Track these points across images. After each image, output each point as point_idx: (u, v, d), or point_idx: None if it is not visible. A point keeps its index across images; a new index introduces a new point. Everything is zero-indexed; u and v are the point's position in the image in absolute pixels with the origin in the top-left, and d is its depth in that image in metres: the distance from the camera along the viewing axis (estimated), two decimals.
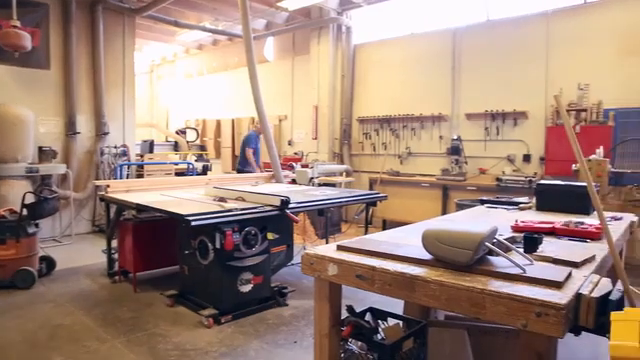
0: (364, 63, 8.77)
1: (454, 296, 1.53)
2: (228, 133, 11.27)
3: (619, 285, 1.50)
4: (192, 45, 12.23)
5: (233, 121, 11.13)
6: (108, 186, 4.89)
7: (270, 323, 3.85)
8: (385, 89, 8.38)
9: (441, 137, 7.60)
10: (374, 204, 5.18)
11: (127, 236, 4.59)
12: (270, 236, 4.06)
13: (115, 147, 7.47)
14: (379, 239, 2.22)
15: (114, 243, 4.93)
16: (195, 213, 3.54)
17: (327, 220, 5.95)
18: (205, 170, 8.51)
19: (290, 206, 4.02)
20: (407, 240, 2.10)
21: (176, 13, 8.85)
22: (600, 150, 5.27)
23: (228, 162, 11.21)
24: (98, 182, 5.82)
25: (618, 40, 6.05)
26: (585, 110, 6.09)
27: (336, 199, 4.66)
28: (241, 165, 7.93)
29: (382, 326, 2.45)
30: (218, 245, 3.63)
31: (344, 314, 2.21)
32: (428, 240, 1.67)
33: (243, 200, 4.23)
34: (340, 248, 1.97)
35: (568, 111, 6.12)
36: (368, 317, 2.40)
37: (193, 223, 3.44)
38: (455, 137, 7.06)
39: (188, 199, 4.44)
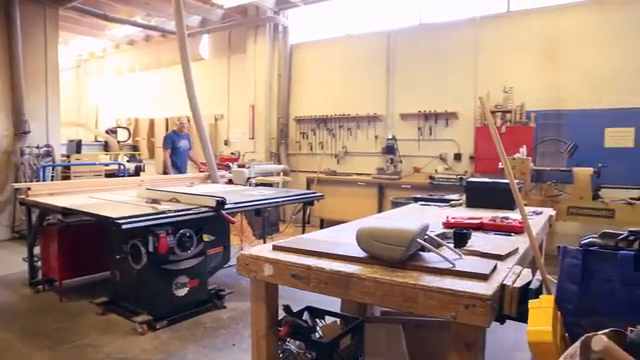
0: (301, 63, 8.79)
1: (388, 292, 1.56)
2: (162, 133, 10.89)
3: (538, 275, 1.59)
4: (123, 40, 11.69)
5: (167, 120, 10.77)
6: (29, 189, 4.57)
7: (208, 327, 3.76)
8: (322, 89, 8.45)
9: (376, 137, 7.77)
10: (311, 203, 5.21)
11: (52, 242, 4.31)
12: (206, 238, 3.97)
13: (37, 147, 6.99)
14: (315, 238, 2.23)
15: (36, 250, 4.61)
16: (126, 216, 3.39)
17: (264, 220, 5.91)
18: (138, 171, 8.18)
19: (226, 207, 3.95)
20: (343, 238, 2.13)
21: (106, 6, 8.42)
22: (523, 149, 5.60)
23: (162, 163, 10.85)
24: (17, 185, 5.43)
25: (538, 47, 6.46)
26: (510, 111, 6.46)
27: (273, 199, 4.64)
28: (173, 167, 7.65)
29: (320, 324, 2.47)
30: (151, 249, 3.50)
31: (282, 314, 2.21)
32: (362, 238, 1.70)
33: (177, 201, 4.10)
34: (276, 248, 1.96)
35: (494, 112, 6.47)
36: (306, 316, 2.41)
37: (124, 226, 3.29)
38: (390, 137, 7.24)
39: (119, 201, 4.25)
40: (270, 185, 6.95)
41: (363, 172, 7.77)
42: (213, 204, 3.87)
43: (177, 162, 7.59)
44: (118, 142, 10.12)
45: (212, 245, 4.09)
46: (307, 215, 5.49)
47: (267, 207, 4.97)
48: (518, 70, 6.59)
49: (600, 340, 0.98)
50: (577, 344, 1.03)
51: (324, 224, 7.41)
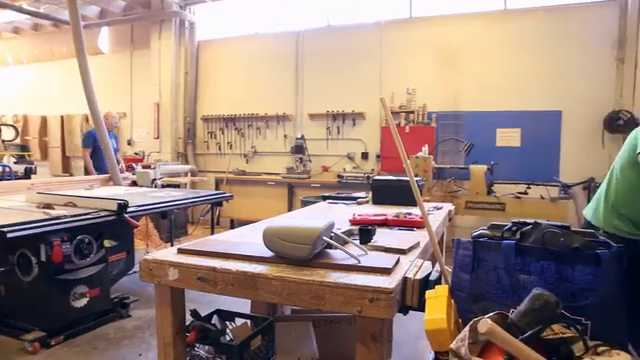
0: (209, 60, 8.58)
1: (295, 290, 1.57)
2: (57, 131, 10.07)
3: (437, 266, 1.68)
4: (6, 28, 10.57)
5: (62, 118, 9.98)
6: None
7: (111, 338, 3.54)
8: (230, 88, 8.31)
9: (286, 136, 7.80)
10: (220, 204, 5.10)
11: None
12: (107, 243, 3.73)
13: None
14: (222, 239, 2.18)
15: None
16: (12, 223, 3.06)
17: (171, 223, 5.68)
18: (28, 173, 7.49)
19: (129, 210, 3.74)
20: (251, 238, 2.10)
21: None
22: (425, 148, 5.92)
23: (58, 164, 10.03)
24: None
25: (437, 52, 6.89)
26: (413, 112, 6.81)
27: (180, 200, 4.47)
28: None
29: (230, 327, 2.43)
30: (44, 258, 3.22)
31: (190, 319, 2.14)
32: (268, 237, 1.69)
33: (74, 206, 3.81)
34: (181, 251, 1.89)
35: (398, 113, 6.80)
36: (215, 320, 2.35)
37: (9, 235, 2.98)
38: (299, 136, 7.31)
39: (3, 207, 3.86)
40: (177, 186, 6.71)
41: (273, 172, 7.77)
42: (114, 207, 3.65)
43: (98, 163, 6.52)
44: (3, 142, 9.18)
45: (114, 251, 3.85)
46: (216, 216, 5.37)
47: (174, 209, 4.78)
48: (420, 73, 6.96)
49: (485, 323, 1.07)
50: (466, 328, 1.11)
51: (235, 224, 7.30)
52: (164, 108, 8.38)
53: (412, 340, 3.30)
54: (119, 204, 3.65)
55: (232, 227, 7.15)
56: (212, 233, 4.91)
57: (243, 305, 2.56)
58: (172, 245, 5.30)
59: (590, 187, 5.90)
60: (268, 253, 1.75)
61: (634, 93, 5.92)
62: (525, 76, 6.50)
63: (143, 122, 8.95)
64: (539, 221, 1.42)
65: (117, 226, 3.76)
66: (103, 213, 3.63)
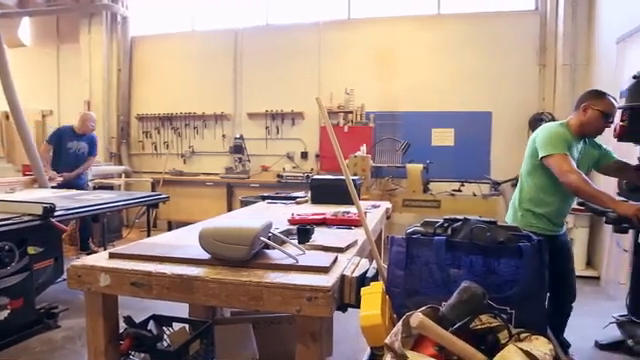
0: (143, 57, 8.26)
1: (233, 292, 1.55)
2: None
3: (374, 264, 1.72)
4: None
5: None
6: None
7: (37, 351, 3.32)
8: (166, 85, 8.05)
9: (224, 136, 7.68)
10: (156, 206, 4.94)
11: None
12: (32, 250, 3.50)
13: None
14: (157, 242, 2.12)
15: None
16: None
17: (104, 226, 5.43)
18: None
19: (57, 214, 3.53)
20: (188, 240, 2.05)
21: None
22: (364, 147, 6.03)
23: None
24: None
25: (375, 54, 7.04)
26: (351, 112, 6.92)
27: (113, 203, 4.28)
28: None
29: (167, 332, 2.36)
30: None
31: (124, 327, 2.06)
32: (205, 239, 1.66)
33: None
34: (113, 256, 1.81)
35: (337, 113, 6.90)
36: (151, 326, 2.27)
37: None
38: (238, 136, 7.23)
39: None
40: (110, 188, 6.43)
41: (211, 172, 7.62)
42: (40, 211, 3.43)
43: (58, 165, 5.72)
44: None
45: (40, 258, 3.62)
46: (153, 218, 5.20)
47: (106, 212, 4.58)
48: (358, 73, 7.09)
49: (416, 317, 1.11)
50: (400, 323, 1.14)
51: (172, 226, 7.10)
52: (95, 106, 7.97)
53: (352, 337, 3.34)
54: (45, 208, 3.44)
55: (170, 229, 6.93)
56: (148, 236, 4.74)
57: (182, 309, 2.49)
58: (105, 249, 5.08)
59: (517, 184, 6.25)
60: (205, 255, 1.71)
61: (554, 96, 6.34)
62: (458, 78, 6.80)
63: (72, 120, 8.46)
64: (468, 217, 1.49)
65: (43, 231, 3.54)
66: (26, 218, 3.40)
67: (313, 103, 1.89)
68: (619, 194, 3.35)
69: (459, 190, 5.88)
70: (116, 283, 1.69)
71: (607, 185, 3.37)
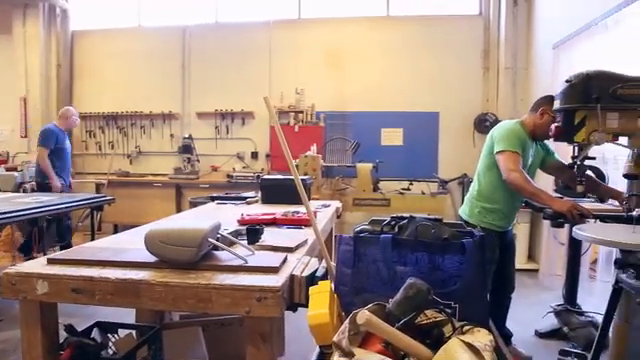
0: (86, 53, 7.91)
1: (180, 295, 1.51)
2: None
3: (324, 263, 1.73)
4: None
5: None
6: None
7: None
8: (111, 83, 7.75)
9: (172, 135, 7.50)
10: (101, 208, 4.76)
11: None
12: None
13: None
14: (101, 246, 2.04)
15: None
16: None
17: (42, 231, 5.16)
18: None
19: None
20: (133, 244, 1.99)
21: None
22: (314, 147, 6.05)
23: None
24: None
25: (325, 54, 7.09)
26: (302, 112, 6.92)
27: (53, 206, 4.09)
28: (37, 175, 5.52)
29: (113, 339, 2.28)
30: None
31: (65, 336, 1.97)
32: (151, 241, 1.61)
33: None
34: (52, 261, 1.73)
35: (288, 112, 6.90)
36: (95, 333, 2.19)
37: None
38: (187, 135, 7.07)
39: None
40: (50, 190, 6.12)
41: (159, 172, 7.41)
42: None
43: (62, 170, 5.52)
44: None
45: None
46: (97, 221, 5.00)
47: (46, 216, 4.37)
48: (309, 73, 7.11)
49: (363, 314, 1.13)
50: (347, 321, 1.16)
51: (118, 230, 6.85)
52: (32, 103, 7.56)
53: (304, 336, 3.34)
54: None
55: (116, 232, 6.69)
56: (93, 239, 4.55)
57: (130, 315, 2.42)
58: (45, 254, 4.83)
59: (464, 182, 6.48)
60: (151, 258, 1.67)
61: (497, 98, 6.61)
62: (406, 79, 6.96)
63: (6, 119, 8.00)
64: (414, 215, 1.53)
65: None
66: None
67: (263, 103, 1.87)
68: (556, 191, 3.54)
69: (408, 189, 6.01)
70: (55, 290, 1.61)
71: (545, 183, 3.55)
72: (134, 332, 2.34)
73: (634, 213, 2.03)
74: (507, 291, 3.21)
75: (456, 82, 6.87)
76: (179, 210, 6.89)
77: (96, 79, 7.84)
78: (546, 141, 3.04)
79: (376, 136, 6.98)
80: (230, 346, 2.61)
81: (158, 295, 1.52)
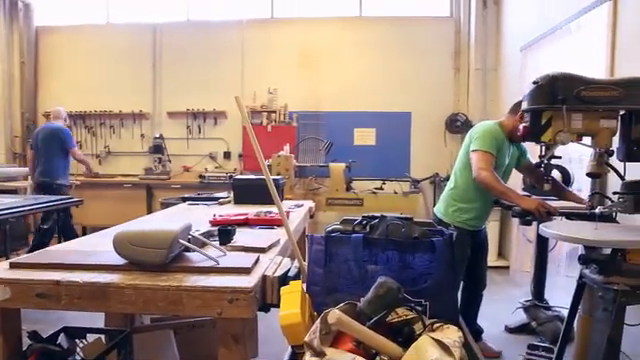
0: (51, 50, 7.66)
1: (151, 298, 1.49)
2: None
3: (296, 263, 1.73)
4: None
5: None
6: None
7: None
8: (79, 81, 7.53)
9: (143, 135, 7.36)
10: (67, 210, 4.64)
11: None
12: None
13: None
14: (67, 249, 2.00)
15: None
16: None
17: (6, 234, 4.99)
18: None
19: None
20: (102, 246, 1.94)
21: None
22: (287, 147, 6.03)
23: None
24: None
25: (298, 53, 7.08)
26: (274, 112, 6.90)
27: (16, 208, 3.95)
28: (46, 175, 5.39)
29: (81, 345, 2.22)
30: None
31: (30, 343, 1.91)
32: (120, 243, 1.58)
33: None
34: (14, 265, 1.68)
35: (260, 112, 6.87)
36: (62, 339, 2.13)
37: None
38: (157, 135, 6.96)
39: None
40: (14, 192, 5.94)
41: (129, 173, 7.26)
42: None
43: (67, 170, 5.72)
44: None
45: None
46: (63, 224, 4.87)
47: (9, 218, 4.22)
48: (282, 73, 7.09)
49: (333, 314, 1.13)
50: (318, 321, 1.16)
51: (87, 232, 6.69)
52: None
53: (278, 336, 3.33)
54: None
55: (84, 235, 6.54)
56: (60, 242, 4.43)
57: (99, 319, 2.37)
58: (7, 258, 4.67)
59: (435, 181, 6.58)
60: (121, 261, 1.64)
61: (468, 98, 6.73)
62: (379, 79, 7.01)
63: None
64: (385, 214, 1.54)
65: None
66: None
67: (236, 102, 1.86)
68: (524, 190, 3.63)
69: (381, 188, 6.05)
70: (18, 295, 1.56)
71: (514, 182, 3.63)
72: (103, 337, 2.29)
73: (597, 210, 2.09)
74: (479, 288, 3.28)
75: (428, 83, 6.96)
76: (150, 211, 6.76)
77: (63, 77, 7.62)
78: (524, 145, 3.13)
79: (349, 136, 7.02)
80: (202, 348, 2.58)
81: (128, 298, 1.50)
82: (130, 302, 1.50)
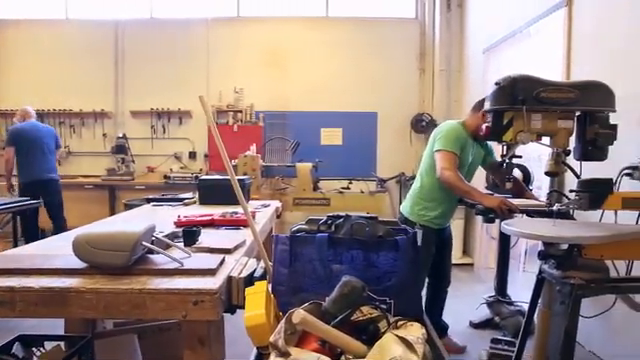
0: (7, 44, 7.34)
1: (113, 302, 1.45)
2: None
3: (262, 263, 1.72)
4: None
5: None
6: None
7: None
8: (36, 79, 7.24)
9: (105, 135, 7.17)
10: (24, 212, 4.48)
11: None
12: None
13: None
14: (24, 253, 1.93)
15: None
16: None
17: None
18: None
19: None
20: (62, 250, 1.88)
21: None
22: (253, 147, 6.00)
23: None
24: None
25: (265, 53, 7.05)
26: (241, 111, 6.85)
27: None
28: (54, 171, 5.56)
29: (37, 353, 2.15)
30: None
31: None
32: (80, 246, 1.54)
33: None
34: None
35: (227, 112, 6.81)
36: (17, 348, 2.06)
37: None
38: (120, 135, 6.79)
39: None
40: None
41: (91, 174, 7.07)
42: None
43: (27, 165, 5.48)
44: None
45: None
46: (21, 227, 4.70)
47: None
48: (248, 72, 7.04)
49: (298, 314, 1.13)
50: (283, 321, 1.16)
51: (46, 235, 6.46)
52: None
53: (246, 337, 3.31)
54: None
55: (43, 238, 6.31)
56: (15, 246, 4.26)
57: (59, 326, 2.29)
58: None
59: (401, 180, 6.67)
60: (81, 264, 1.59)
61: (433, 99, 6.84)
62: (346, 79, 7.06)
63: None
64: (349, 214, 1.55)
65: None
66: None
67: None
68: (487, 188, 3.72)
69: (348, 188, 6.09)
70: None
71: (477, 181, 3.71)
72: (62, 344, 2.22)
73: (554, 208, 2.16)
74: (443, 285, 3.34)
75: (394, 83, 7.05)
76: (113, 213, 6.60)
77: (20, 73, 7.31)
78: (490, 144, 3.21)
79: (316, 136, 7.03)
80: (168, 352, 2.53)
81: (88, 303, 1.46)
82: (91, 307, 1.46)
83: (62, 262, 1.63)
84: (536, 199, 3.06)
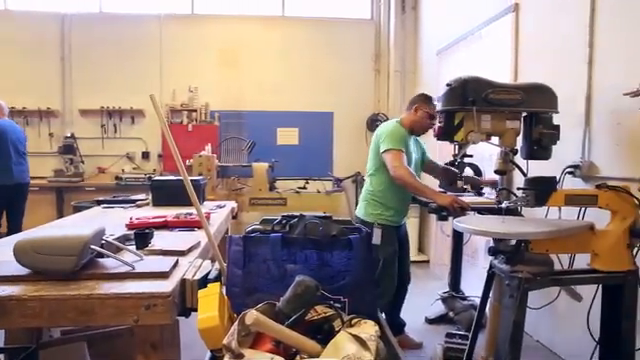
0: None
1: (58, 309, 1.39)
2: None
3: (217, 265, 1.70)
4: None
5: None
6: None
7: None
8: None
9: (52, 135, 6.86)
10: None
11: None
12: None
13: None
14: None
15: None
16: None
17: None
18: None
19: None
20: (2, 255, 1.79)
21: None
22: (209, 147, 5.90)
23: None
24: None
25: (220, 52, 6.96)
26: (195, 110, 6.73)
27: None
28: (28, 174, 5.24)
29: None
30: None
31: None
32: (22, 252, 1.46)
33: None
34: None
35: (181, 111, 6.68)
36: None
37: None
38: (68, 135, 6.53)
39: None
40: None
41: (37, 175, 6.72)
42: None
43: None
44: None
45: None
46: None
47: None
48: (203, 71, 6.94)
49: (251, 315, 1.13)
50: (236, 322, 1.15)
51: None
52: None
53: (201, 341, 3.26)
54: None
55: None
56: None
57: None
58: None
59: (357, 180, 6.71)
60: (23, 271, 1.51)
61: (388, 99, 6.95)
62: (302, 79, 7.07)
63: None
64: (304, 213, 1.56)
65: None
66: None
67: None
68: (440, 186, 3.81)
69: (304, 187, 6.08)
70: None
71: (431, 180, 3.80)
72: (2, 356, 2.11)
73: (503, 205, 2.24)
74: (403, 282, 3.39)
75: (349, 83, 7.12)
76: (61, 216, 6.33)
77: None
78: (423, 143, 3.33)
79: (272, 136, 7.01)
80: (121, 359, 2.46)
81: (31, 311, 1.39)
82: (34, 315, 1.39)
83: (2, 269, 1.55)
84: (492, 180, 3.22)
